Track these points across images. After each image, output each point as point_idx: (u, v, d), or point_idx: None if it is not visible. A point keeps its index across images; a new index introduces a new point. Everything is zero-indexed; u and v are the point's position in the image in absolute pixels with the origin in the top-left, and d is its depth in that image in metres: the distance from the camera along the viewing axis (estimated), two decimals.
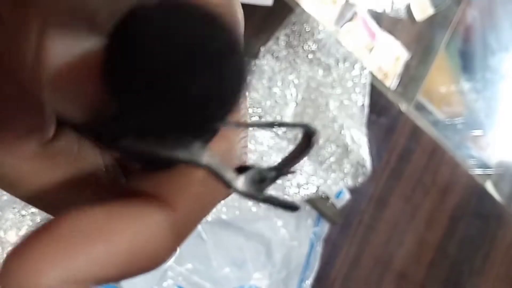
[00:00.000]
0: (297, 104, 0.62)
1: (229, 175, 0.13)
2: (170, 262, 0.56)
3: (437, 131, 0.87)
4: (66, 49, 0.10)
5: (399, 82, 1.19)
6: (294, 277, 0.63)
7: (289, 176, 0.60)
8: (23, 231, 0.51)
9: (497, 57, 1.30)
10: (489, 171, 1.18)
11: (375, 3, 1.17)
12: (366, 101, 0.66)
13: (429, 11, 1.23)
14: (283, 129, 0.61)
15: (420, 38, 1.24)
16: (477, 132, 1.24)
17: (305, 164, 0.61)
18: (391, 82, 1.18)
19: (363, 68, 0.65)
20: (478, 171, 0.91)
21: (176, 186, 0.14)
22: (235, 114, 0.14)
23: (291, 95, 0.61)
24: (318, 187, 0.61)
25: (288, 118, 0.61)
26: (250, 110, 0.59)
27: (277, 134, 0.60)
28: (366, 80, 0.66)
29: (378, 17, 1.17)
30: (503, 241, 0.84)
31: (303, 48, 0.62)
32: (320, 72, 0.63)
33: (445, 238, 0.78)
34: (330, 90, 0.64)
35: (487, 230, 0.83)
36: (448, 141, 1.02)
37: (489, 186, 0.91)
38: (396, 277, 0.73)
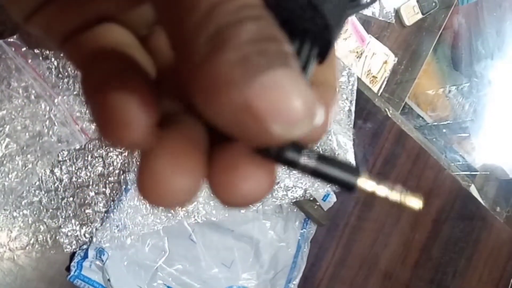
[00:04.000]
0: None
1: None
2: (160, 263, 0.57)
3: (423, 134, 0.89)
4: None
5: (387, 86, 1.21)
6: (282, 278, 0.64)
7: (278, 179, 0.61)
8: (15, 233, 0.52)
9: (483, 62, 1.33)
10: (473, 174, 1.20)
11: None
12: (353, 107, 0.67)
13: (418, 16, 1.25)
14: None
15: (408, 43, 1.26)
16: (462, 136, 1.26)
17: None
18: (379, 86, 1.19)
19: (350, 75, 0.67)
20: (463, 174, 0.93)
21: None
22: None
23: None
24: (305, 190, 0.63)
25: None
26: None
27: None
28: (353, 86, 0.67)
29: (367, 22, 1.19)
30: (487, 244, 0.86)
31: None
32: None
33: (429, 240, 0.79)
34: None
35: (471, 233, 0.84)
36: (434, 144, 1.04)
37: (473, 189, 0.93)
38: (381, 277, 0.74)
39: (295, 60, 0.12)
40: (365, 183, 0.14)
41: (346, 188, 0.14)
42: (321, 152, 0.14)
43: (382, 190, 0.14)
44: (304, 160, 0.14)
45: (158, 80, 0.16)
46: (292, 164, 0.14)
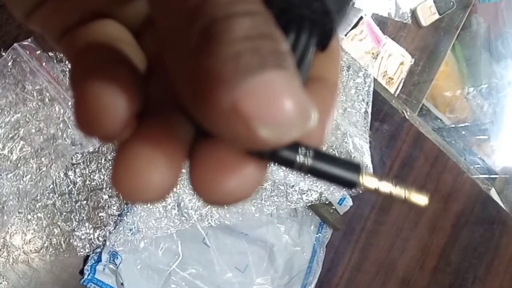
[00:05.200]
0: None
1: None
2: (174, 266, 0.56)
3: (441, 136, 0.87)
4: None
5: (404, 88, 1.19)
6: (297, 283, 0.63)
7: (292, 183, 0.60)
8: (29, 236, 0.52)
9: (503, 63, 1.30)
10: (493, 177, 1.17)
11: (381, 8, 1.17)
12: (370, 109, 0.66)
13: (435, 16, 1.23)
14: None
15: (425, 43, 1.24)
16: (482, 138, 1.24)
17: None
18: (396, 87, 1.17)
19: (367, 76, 0.66)
20: (483, 177, 0.91)
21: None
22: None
23: None
24: (321, 194, 0.62)
25: None
26: None
27: None
28: (369, 87, 0.66)
29: (383, 22, 1.17)
30: (508, 249, 0.84)
31: None
32: None
33: (448, 245, 0.77)
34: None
35: (491, 237, 0.82)
36: (453, 146, 1.02)
37: (494, 193, 0.91)
38: (398, 283, 0.73)
39: (291, 59, 0.11)
40: (367, 180, 0.13)
41: (347, 186, 0.13)
42: (318, 149, 0.13)
43: (385, 187, 0.13)
44: (300, 158, 0.13)
45: (148, 74, 0.15)
46: (288, 163, 0.13)
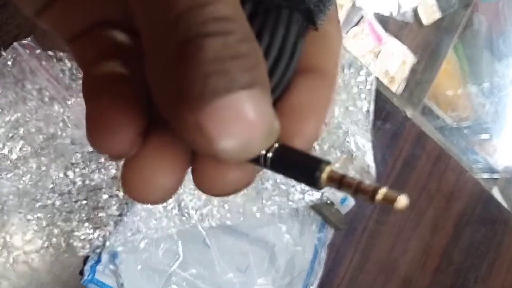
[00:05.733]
0: None
1: None
2: (174, 267, 0.56)
3: (443, 135, 0.86)
4: None
5: (406, 87, 1.18)
6: (298, 283, 0.63)
7: (294, 182, 0.59)
8: (29, 236, 0.51)
9: (504, 61, 1.29)
10: (495, 176, 1.17)
11: (382, 6, 1.16)
12: (372, 107, 0.66)
13: (436, 14, 1.23)
14: None
15: (427, 42, 1.23)
16: (484, 137, 1.23)
17: None
18: (397, 86, 1.17)
19: (368, 74, 0.65)
20: (485, 176, 0.91)
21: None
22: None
23: None
24: (322, 193, 0.61)
25: None
26: None
27: None
28: (371, 86, 0.66)
29: (385, 21, 1.17)
30: (510, 248, 0.83)
31: None
32: None
33: (450, 245, 0.77)
34: (335, 96, 0.64)
35: (493, 237, 0.82)
36: (455, 145, 1.01)
37: (496, 192, 0.91)
38: (400, 283, 0.73)
39: (261, 74, 0.11)
40: (330, 177, 0.13)
41: (308, 182, 0.13)
42: (284, 144, 0.13)
43: (349, 185, 0.12)
44: (262, 152, 0.13)
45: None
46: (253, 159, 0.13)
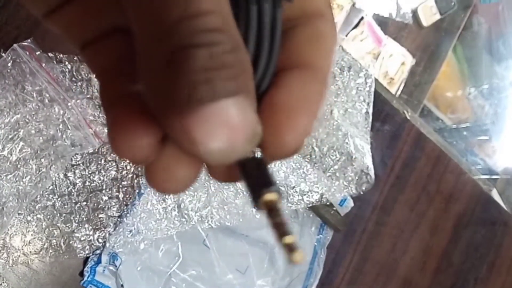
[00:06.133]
0: None
1: None
2: (174, 268, 0.56)
3: (443, 137, 0.86)
4: None
5: (405, 88, 1.19)
6: (298, 285, 0.63)
7: (293, 184, 0.60)
8: (29, 237, 0.52)
9: (504, 63, 1.30)
10: (495, 178, 1.17)
11: (381, 8, 1.17)
12: (371, 109, 0.66)
13: (436, 16, 1.23)
14: None
15: (427, 44, 1.23)
16: (483, 138, 1.23)
17: (309, 172, 0.61)
18: (397, 88, 1.17)
19: (368, 76, 0.65)
20: (484, 178, 0.91)
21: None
22: None
23: None
24: (322, 195, 0.61)
25: None
26: None
27: None
28: (370, 88, 0.66)
29: (384, 23, 1.17)
30: (509, 249, 0.83)
31: None
32: None
33: (450, 246, 0.77)
34: (335, 98, 0.64)
35: (492, 238, 0.82)
36: (454, 147, 1.02)
37: (495, 193, 0.91)
38: (400, 284, 0.72)
39: (246, 82, 0.12)
40: (268, 203, 0.13)
41: (252, 199, 0.14)
42: (255, 155, 0.14)
43: (274, 219, 0.13)
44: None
45: None
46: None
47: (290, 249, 0.13)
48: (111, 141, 0.14)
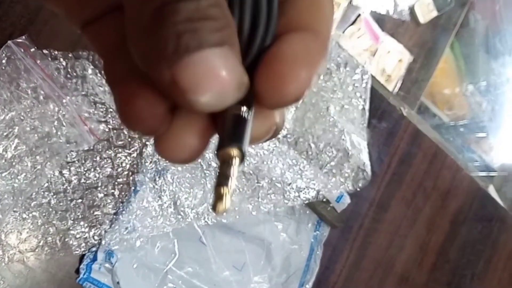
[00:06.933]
0: (297, 108, 0.62)
1: None
2: (170, 265, 0.56)
3: (440, 134, 0.86)
4: None
5: (402, 85, 1.18)
6: (294, 281, 0.63)
7: (290, 180, 0.60)
8: (24, 235, 0.51)
9: (501, 60, 1.30)
10: (492, 174, 1.17)
11: (379, 5, 1.16)
12: (367, 105, 0.66)
13: (433, 13, 1.23)
14: (284, 133, 0.61)
15: (424, 41, 1.23)
16: (480, 135, 1.23)
17: (305, 169, 0.61)
18: (394, 84, 1.17)
19: (364, 73, 0.65)
20: (481, 174, 0.91)
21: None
22: None
23: None
24: (318, 192, 0.61)
25: (288, 123, 0.61)
26: None
27: (277, 138, 0.60)
28: (367, 84, 0.66)
29: (381, 20, 1.17)
30: (506, 246, 0.83)
31: None
32: (321, 76, 0.63)
33: (446, 242, 0.77)
34: (331, 94, 0.64)
35: (489, 235, 0.82)
36: (451, 144, 1.02)
37: (492, 190, 0.91)
38: (397, 281, 0.73)
39: (230, 35, 0.13)
40: (225, 155, 0.14)
41: (217, 150, 0.15)
42: (241, 113, 0.14)
43: (224, 172, 0.14)
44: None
45: None
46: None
47: (219, 197, 0.14)
48: (120, 115, 0.14)
